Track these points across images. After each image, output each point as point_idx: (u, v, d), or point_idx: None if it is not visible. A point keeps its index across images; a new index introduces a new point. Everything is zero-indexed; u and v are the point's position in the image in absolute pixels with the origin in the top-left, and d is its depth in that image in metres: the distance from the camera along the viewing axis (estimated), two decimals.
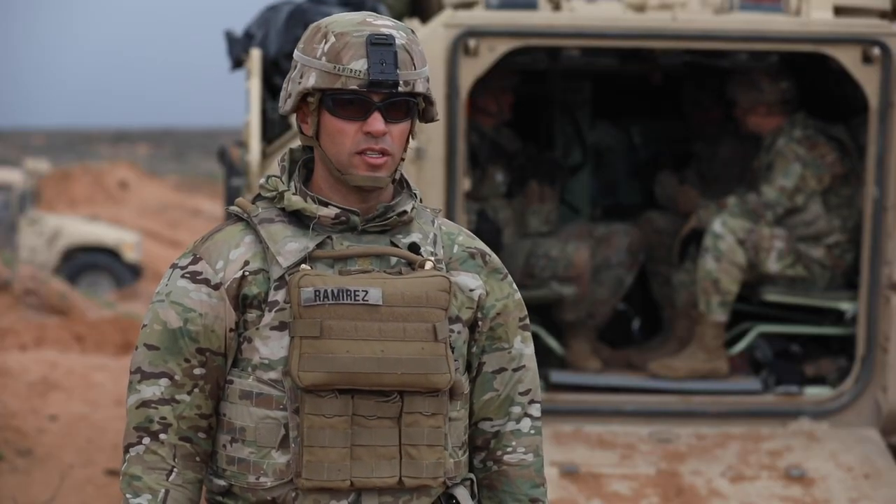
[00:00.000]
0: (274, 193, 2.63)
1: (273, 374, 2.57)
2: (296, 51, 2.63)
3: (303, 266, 2.56)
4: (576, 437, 5.68)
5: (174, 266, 2.64)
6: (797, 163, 6.07)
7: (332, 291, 2.53)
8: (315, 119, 2.60)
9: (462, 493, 2.67)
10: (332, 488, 2.55)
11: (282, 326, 2.57)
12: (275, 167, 2.71)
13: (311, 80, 2.57)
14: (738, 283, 6.07)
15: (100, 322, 12.28)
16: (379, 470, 2.56)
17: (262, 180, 2.67)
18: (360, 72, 2.53)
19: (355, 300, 2.54)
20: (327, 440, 2.54)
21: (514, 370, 2.72)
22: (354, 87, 2.54)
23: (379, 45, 2.54)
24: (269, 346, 2.57)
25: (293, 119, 2.72)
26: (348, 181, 2.59)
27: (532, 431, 2.74)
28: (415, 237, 2.65)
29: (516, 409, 2.73)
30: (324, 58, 2.56)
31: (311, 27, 2.63)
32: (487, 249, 2.74)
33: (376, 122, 2.56)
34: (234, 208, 2.67)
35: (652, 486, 5.47)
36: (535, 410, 2.75)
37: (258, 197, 2.67)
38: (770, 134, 6.21)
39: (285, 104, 2.63)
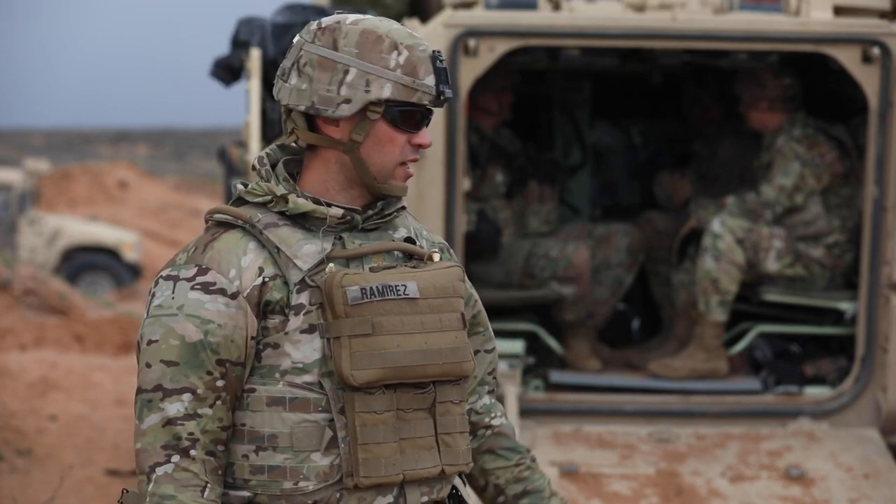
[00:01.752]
0: (268, 198, 2.61)
1: (308, 378, 2.56)
2: (342, 54, 2.58)
3: (329, 266, 2.56)
4: (576, 437, 5.68)
5: (175, 278, 2.57)
6: (796, 161, 6.07)
7: (378, 288, 2.56)
8: (366, 126, 2.59)
9: (457, 480, 2.75)
10: (387, 483, 2.58)
11: (311, 329, 2.56)
12: (254, 173, 2.69)
13: (385, 92, 2.56)
14: (738, 282, 6.07)
15: (99, 322, 12.28)
16: (423, 461, 2.60)
17: (241, 187, 2.65)
18: (432, 88, 2.60)
19: (398, 295, 2.58)
20: (381, 436, 2.56)
21: (486, 352, 2.89)
22: (426, 102, 2.60)
23: (439, 61, 2.61)
24: (301, 349, 2.56)
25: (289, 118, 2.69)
26: (384, 190, 2.63)
27: (496, 400, 2.95)
28: (403, 232, 2.70)
29: (486, 387, 2.91)
30: (399, 70, 2.57)
31: (363, 31, 2.58)
32: (446, 243, 2.85)
33: (426, 135, 2.64)
34: (224, 216, 2.61)
35: (652, 486, 5.47)
36: (494, 384, 2.95)
37: (240, 202, 2.64)
38: (770, 133, 6.21)
39: (337, 109, 2.57)
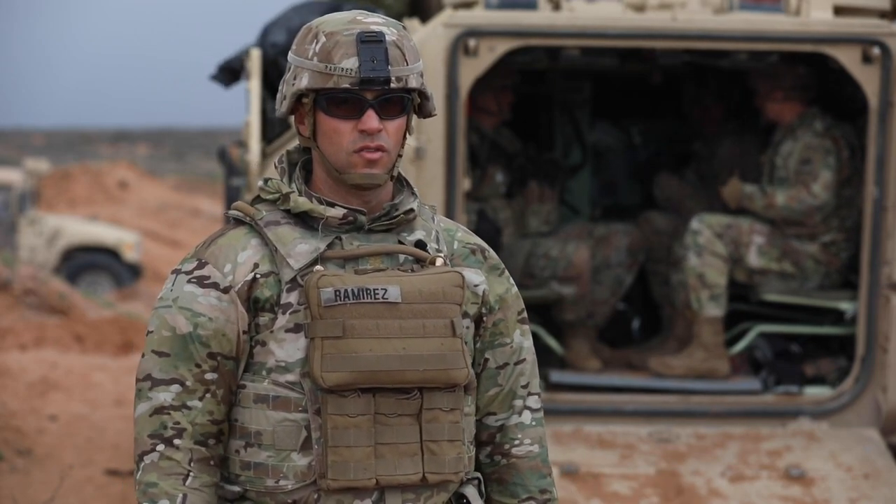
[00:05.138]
0: (277, 196, 2.62)
1: (290, 377, 2.56)
2: (289, 53, 2.64)
3: (316, 267, 2.55)
4: (576, 437, 5.68)
5: (177, 272, 2.62)
6: (831, 156, 6.05)
7: (353, 291, 2.53)
8: (311, 120, 2.60)
9: (471, 492, 2.68)
10: (358, 487, 2.55)
11: (297, 328, 2.56)
12: (272, 170, 2.71)
13: (304, 81, 2.57)
14: (725, 274, 6.05)
15: (99, 322, 12.28)
16: (402, 467, 2.57)
17: (261, 183, 2.67)
18: (351, 70, 2.54)
19: (375, 298, 2.54)
20: (352, 440, 2.54)
21: (516, 364, 2.74)
22: (346, 85, 2.54)
23: (369, 42, 2.54)
24: (285, 348, 2.56)
25: (292, 120, 2.72)
26: (346, 180, 2.59)
27: (534, 423, 2.76)
28: (419, 234, 2.65)
29: (518, 403, 2.75)
30: (315, 58, 2.56)
31: (303, 28, 2.64)
32: (485, 245, 2.76)
33: (371, 119, 2.56)
34: (234, 212, 2.66)
35: (652, 486, 5.47)
36: (534, 402, 2.77)
37: (257, 199, 2.66)
38: (787, 126, 6.16)
39: (281, 106, 2.64)
